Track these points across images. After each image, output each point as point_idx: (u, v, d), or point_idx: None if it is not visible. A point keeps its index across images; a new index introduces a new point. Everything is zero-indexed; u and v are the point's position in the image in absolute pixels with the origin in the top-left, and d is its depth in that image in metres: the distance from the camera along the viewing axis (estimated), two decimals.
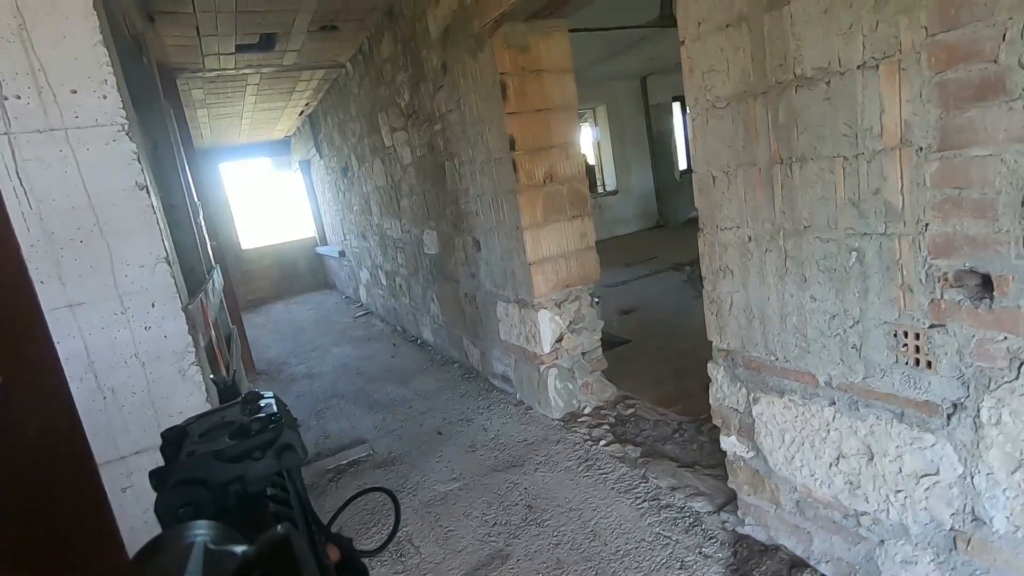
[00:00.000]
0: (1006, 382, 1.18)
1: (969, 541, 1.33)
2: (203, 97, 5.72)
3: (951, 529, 1.36)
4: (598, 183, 9.83)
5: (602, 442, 2.80)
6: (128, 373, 1.73)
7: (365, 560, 0.63)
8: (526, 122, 2.89)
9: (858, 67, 1.30)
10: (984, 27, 1.08)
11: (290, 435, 0.55)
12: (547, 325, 3.07)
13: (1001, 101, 1.09)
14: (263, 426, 0.54)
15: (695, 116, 1.77)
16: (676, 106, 9.80)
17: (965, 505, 1.32)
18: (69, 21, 1.59)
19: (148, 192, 1.72)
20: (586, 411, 3.15)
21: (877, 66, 1.27)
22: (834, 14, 1.32)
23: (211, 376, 1.74)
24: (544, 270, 3.03)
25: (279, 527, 0.36)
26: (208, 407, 1.83)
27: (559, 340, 3.12)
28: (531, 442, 2.95)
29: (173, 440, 0.54)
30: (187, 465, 0.51)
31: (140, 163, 1.70)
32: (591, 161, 9.80)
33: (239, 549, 0.34)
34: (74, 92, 1.60)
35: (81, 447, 1.42)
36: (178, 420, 1.74)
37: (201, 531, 0.36)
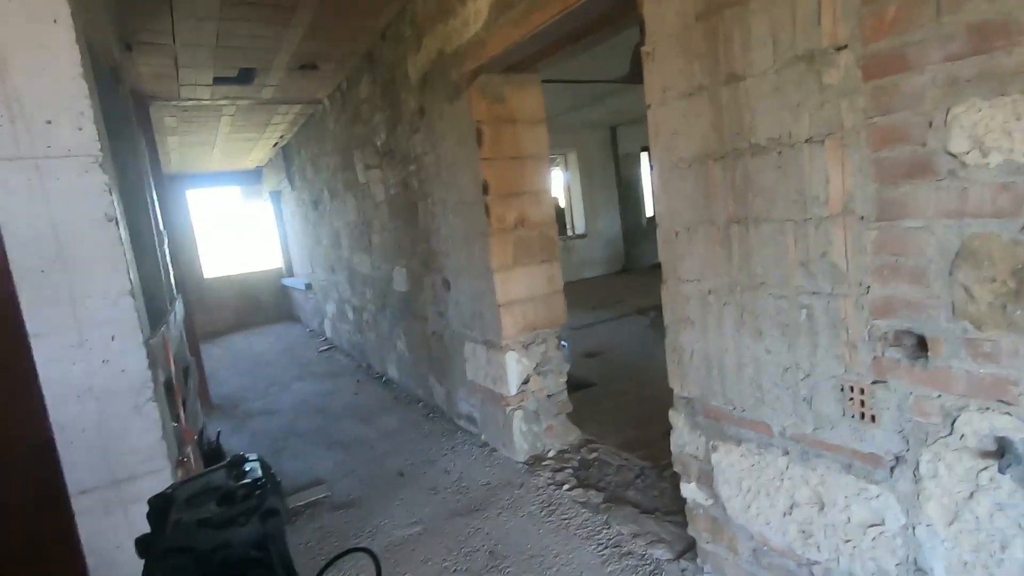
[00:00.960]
0: (941, 437, 1.26)
1: None
2: (175, 125, 5.68)
3: None
4: (567, 226, 10.06)
5: (565, 487, 2.80)
6: (80, 409, 1.67)
7: None
8: (499, 168, 2.98)
9: (806, 140, 1.42)
10: (913, 115, 1.20)
11: (275, 500, 0.56)
12: (514, 367, 3.09)
13: (930, 180, 1.20)
14: (249, 492, 0.56)
15: (659, 174, 1.87)
16: (644, 156, 10.21)
17: (908, 555, 1.38)
18: (50, 53, 1.60)
19: (117, 224, 1.70)
20: (550, 454, 3.15)
21: (823, 141, 1.39)
22: (784, 92, 1.45)
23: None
24: (513, 312, 3.07)
25: None
26: (163, 446, 1.78)
27: (525, 382, 3.14)
28: (494, 485, 2.92)
29: (159, 507, 0.55)
30: (174, 534, 0.51)
31: (111, 195, 1.69)
32: (561, 204, 10.05)
33: None
34: (49, 123, 1.60)
35: (56, 478, 1.37)
36: (129, 458, 1.68)
37: None
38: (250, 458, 0.63)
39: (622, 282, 9.18)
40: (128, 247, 1.81)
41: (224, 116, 5.54)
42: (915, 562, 1.36)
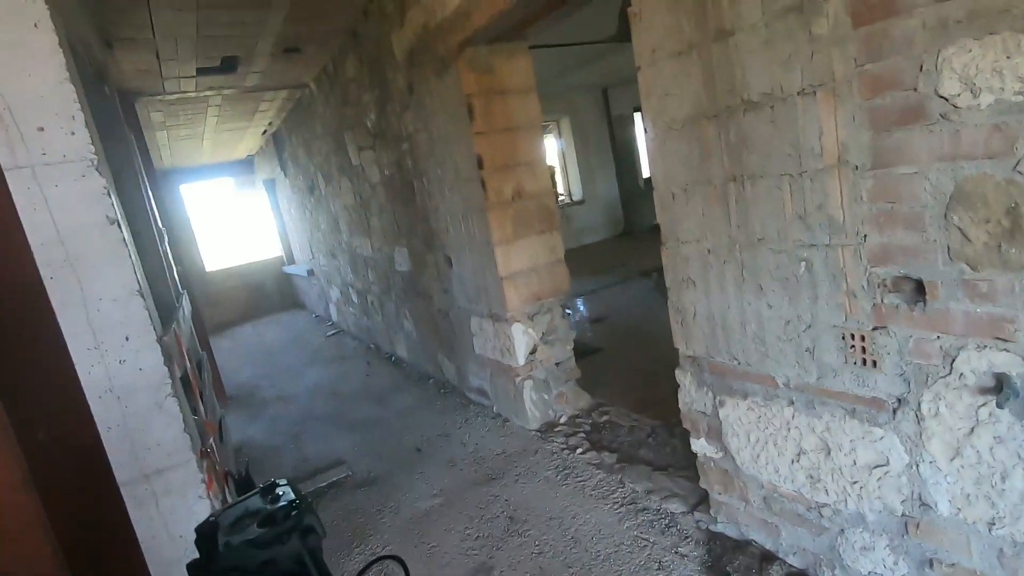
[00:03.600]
0: (941, 377, 1.29)
1: (919, 525, 1.44)
2: (163, 119, 5.63)
3: (902, 515, 1.47)
4: (564, 193, 9.99)
5: (579, 450, 2.87)
6: (103, 408, 1.72)
7: None
8: (493, 141, 2.96)
9: (798, 93, 1.42)
10: (903, 60, 1.20)
11: (310, 518, 0.62)
12: (521, 338, 3.13)
13: (922, 124, 1.21)
14: (286, 513, 0.61)
15: (653, 136, 1.87)
16: (638, 116, 10.08)
17: (913, 492, 1.43)
18: (35, 59, 1.59)
19: (119, 226, 1.72)
20: (562, 420, 3.22)
21: (815, 92, 1.38)
22: (774, 45, 1.43)
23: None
24: (516, 284, 3.10)
25: None
26: (186, 438, 1.84)
27: (533, 352, 3.19)
28: (510, 454, 3.00)
29: (207, 533, 0.60)
30: (226, 555, 0.56)
31: (110, 197, 1.70)
32: (557, 172, 9.96)
33: None
34: (41, 129, 1.60)
35: (103, 463, 1.42)
36: (155, 452, 1.74)
37: None
38: (280, 483, 0.68)
39: (623, 245, 9.18)
40: (133, 248, 1.83)
41: (211, 107, 5.48)
42: (920, 498, 1.41)
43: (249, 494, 0.67)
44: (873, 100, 1.27)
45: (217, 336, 8.22)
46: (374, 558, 0.82)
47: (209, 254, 9.68)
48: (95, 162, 1.67)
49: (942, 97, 1.16)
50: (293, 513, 0.61)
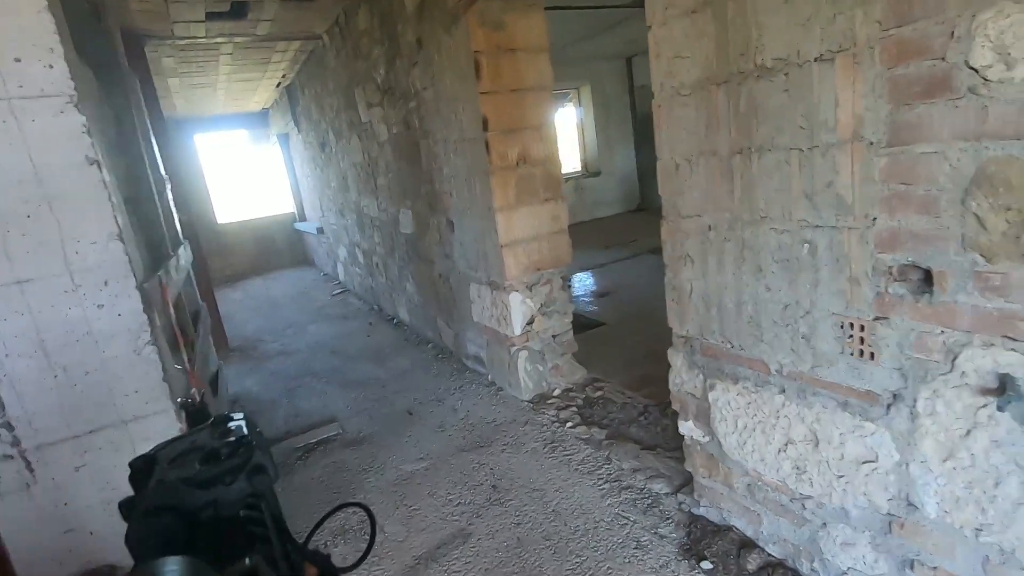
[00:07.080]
0: (941, 374, 1.21)
1: (903, 525, 1.38)
2: (174, 66, 5.53)
3: (887, 513, 1.41)
4: (580, 164, 9.78)
5: (569, 424, 2.84)
6: (81, 351, 1.71)
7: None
8: (500, 102, 2.85)
9: (816, 59, 1.30)
10: (934, 24, 1.08)
11: (261, 457, 0.53)
12: (518, 307, 3.08)
13: (947, 98, 1.10)
14: (233, 450, 0.53)
15: (661, 102, 1.76)
16: None
17: (900, 491, 1.36)
18: None
19: (99, 167, 1.67)
20: (555, 393, 3.19)
21: (833, 59, 1.27)
22: (795, 4, 1.31)
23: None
24: (516, 252, 3.02)
25: (247, 560, 0.35)
26: (165, 388, 1.82)
27: (530, 322, 3.13)
28: (500, 423, 2.98)
29: (142, 469, 0.53)
30: (157, 493, 0.49)
31: (90, 136, 1.64)
32: (574, 141, 9.72)
33: None
34: (18, 60, 1.54)
35: None
36: (133, 399, 1.71)
37: (171, 568, 0.35)
38: (235, 416, 0.60)
39: (637, 221, 9.00)
40: (114, 191, 1.78)
41: (222, 55, 5.37)
42: (907, 497, 1.35)
43: (197, 428, 0.60)
44: (896, 69, 1.16)
45: (227, 288, 8.29)
46: (338, 504, 0.74)
47: (222, 206, 9.67)
48: (74, 98, 1.61)
49: (972, 68, 1.05)
50: (240, 451, 0.53)
